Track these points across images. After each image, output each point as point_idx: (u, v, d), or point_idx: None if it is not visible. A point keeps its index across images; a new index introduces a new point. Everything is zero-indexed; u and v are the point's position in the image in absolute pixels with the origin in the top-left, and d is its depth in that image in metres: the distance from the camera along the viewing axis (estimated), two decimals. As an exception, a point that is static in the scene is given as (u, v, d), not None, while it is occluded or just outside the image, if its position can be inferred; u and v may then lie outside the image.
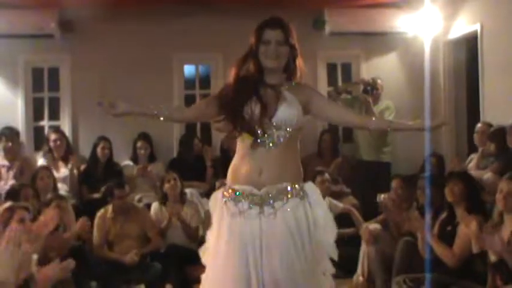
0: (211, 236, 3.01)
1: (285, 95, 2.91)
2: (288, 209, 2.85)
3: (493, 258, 3.93)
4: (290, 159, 2.93)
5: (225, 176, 3.11)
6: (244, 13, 7.11)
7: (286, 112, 2.88)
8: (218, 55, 7.56)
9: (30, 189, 5.49)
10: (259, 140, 2.88)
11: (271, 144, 2.88)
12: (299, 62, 2.98)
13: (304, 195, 2.91)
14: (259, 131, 2.87)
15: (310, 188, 2.98)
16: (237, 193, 2.90)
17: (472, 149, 6.44)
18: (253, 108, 2.85)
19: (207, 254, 3.01)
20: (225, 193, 2.95)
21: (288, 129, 2.89)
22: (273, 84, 2.94)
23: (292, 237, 2.83)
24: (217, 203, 2.98)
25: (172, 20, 7.33)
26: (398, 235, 5.25)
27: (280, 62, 2.92)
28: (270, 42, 2.90)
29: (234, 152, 3.06)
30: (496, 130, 5.76)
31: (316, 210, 2.93)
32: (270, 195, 2.87)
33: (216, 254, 2.92)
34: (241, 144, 2.96)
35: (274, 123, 2.87)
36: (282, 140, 2.89)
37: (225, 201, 2.92)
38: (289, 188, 2.88)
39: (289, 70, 2.97)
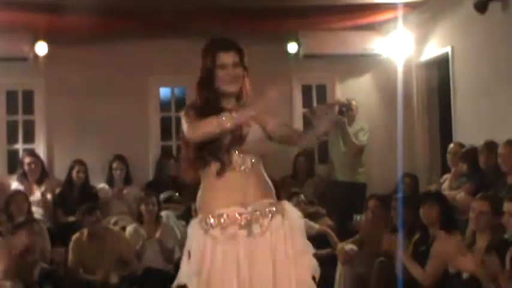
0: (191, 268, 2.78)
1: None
2: (274, 228, 2.79)
3: (465, 275, 3.97)
4: (263, 177, 2.88)
5: None
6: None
7: (253, 136, 2.80)
8: (194, 77, 7.53)
9: (2, 214, 5.43)
10: (226, 168, 2.77)
11: (242, 167, 2.80)
12: (247, 82, 2.88)
13: (284, 213, 2.85)
14: (226, 159, 2.76)
15: (288, 206, 2.93)
16: (222, 219, 2.73)
17: (446, 169, 6.51)
18: (222, 138, 2.72)
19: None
20: (207, 221, 2.76)
21: (255, 153, 2.84)
22: (230, 109, 2.76)
23: (280, 254, 2.78)
24: (195, 235, 2.79)
25: (147, 42, 7.35)
26: (374, 255, 5.27)
27: (238, 85, 2.83)
28: (226, 66, 2.79)
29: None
30: (468, 151, 5.83)
31: (295, 231, 2.88)
32: (257, 212, 2.77)
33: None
34: (207, 173, 2.81)
35: (242, 150, 2.79)
36: (252, 162, 2.83)
37: (206, 230, 2.74)
38: (273, 205, 2.83)
39: (240, 92, 2.87)
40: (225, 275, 2.71)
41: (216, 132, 2.64)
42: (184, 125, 2.78)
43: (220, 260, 2.72)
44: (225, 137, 2.73)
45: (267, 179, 2.91)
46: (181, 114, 2.84)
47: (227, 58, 2.78)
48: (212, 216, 2.75)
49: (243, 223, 2.75)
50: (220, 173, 2.75)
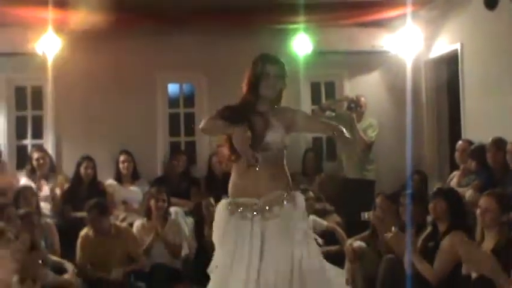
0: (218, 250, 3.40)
1: (272, 122, 3.37)
2: (285, 213, 3.32)
3: (474, 274, 3.95)
4: (280, 171, 3.41)
5: (210, 194, 3.94)
6: (228, 33, 7.19)
7: (272, 137, 3.35)
8: (202, 74, 7.60)
9: (13, 208, 5.45)
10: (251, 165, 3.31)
11: (262, 163, 3.31)
12: (282, 92, 3.46)
13: (295, 204, 3.38)
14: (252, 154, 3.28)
15: (299, 197, 3.43)
16: (240, 208, 3.33)
17: (454, 166, 6.50)
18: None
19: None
20: (230, 205, 3.38)
21: (274, 150, 3.36)
22: (262, 112, 3.40)
23: (290, 237, 3.29)
24: (221, 214, 3.41)
25: (156, 39, 7.36)
26: (383, 252, 5.26)
27: (276, 92, 3.42)
28: (269, 75, 3.38)
29: (220, 171, 3.73)
30: (477, 148, 5.81)
31: (301, 222, 3.38)
32: (268, 202, 3.32)
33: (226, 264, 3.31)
34: (237, 165, 3.39)
35: (263, 147, 3.32)
36: (270, 158, 3.34)
37: (230, 212, 3.36)
38: (284, 195, 3.36)
39: (276, 98, 3.46)
40: (240, 247, 3.26)
41: (219, 132, 3.32)
42: (209, 122, 3.38)
43: (236, 234, 3.30)
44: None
45: (285, 170, 3.44)
46: None
47: (271, 69, 3.39)
48: (234, 202, 3.37)
49: (256, 210, 3.31)
50: (248, 168, 3.32)
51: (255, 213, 3.32)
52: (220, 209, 3.44)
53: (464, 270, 4.19)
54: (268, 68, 3.38)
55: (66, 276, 5.33)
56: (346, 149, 7.09)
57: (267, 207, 3.32)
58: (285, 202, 3.34)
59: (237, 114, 3.33)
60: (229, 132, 3.28)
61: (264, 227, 3.30)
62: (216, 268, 3.38)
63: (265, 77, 3.37)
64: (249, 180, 3.35)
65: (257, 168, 3.32)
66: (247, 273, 3.22)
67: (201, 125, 3.39)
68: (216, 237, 3.43)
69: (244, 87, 3.43)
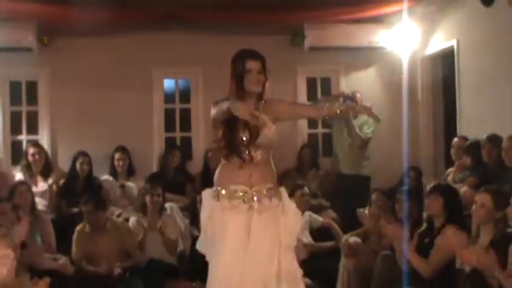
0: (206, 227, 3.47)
1: (265, 116, 3.39)
2: (273, 207, 3.45)
3: (467, 268, 3.97)
4: (269, 166, 3.52)
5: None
6: (224, 29, 7.17)
7: (267, 136, 3.40)
8: (198, 69, 7.59)
9: (7, 203, 5.43)
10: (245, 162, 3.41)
11: (255, 161, 3.43)
12: (267, 86, 3.50)
13: (280, 198, 3.51)
14: (246, 153, 3.40)
15: (284, 193, 3.57)
16: (229, 194, 3.40)
17: (450, 162, 6.51)
18: (242, 134, 3.38)
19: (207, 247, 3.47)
20: (219, 192, 3.43)
21: (267, 146, 3.45)
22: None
23: (275, 230, 3.43)
24: (208, 200, 3.49)
25: (152, 34, 7.34)
26: (378, 248, 5.27)
27: (261, 87, 3.45)
28: (252, 70, 3.40)
29: (216, 167, 3.58)
30: (472, 144, 5.82)
31: (288, 213, 3.51)
32: (259, 193, 3.42)
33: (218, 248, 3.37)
34: (228, 162, 3.46)
35: (257, 144, 3.40)
36: (263, 155, 3.45)
37: (217, 199, 3.42)
38: (272, 189, 3.48)
39: (261, 92, 3.49)
40: (227, 234, 3.34)
41: (226, 112, 3.26)
42: (212, 110, 3.43)
43: (224, 222, 3.37)
44: (244, 135, 3.38)
45: (272, 167, 3.53)
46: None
47: (253, 64, 3.41)
48: (224, 189, 3.43)
49: (246, 199, 3.40)
50: (240, 167, 3.42)
51: (244, 201, 3.39)
52: (207, 195, 3.51)
53: (458, 265, 4.21)
54: (249, 64, 3.40)
55: (61, 260, 5.34)
56: (341, 145, 7.10)
57: (256, 198, 3.40)
58: (273, 197, 3.45)
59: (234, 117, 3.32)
60: (232, 107, 3.22)
61: (250, 217, 3.38)
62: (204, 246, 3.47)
63: (248, 73, 3.39)
64: (240, 172, 3.42)
65: (258, 160, 3.41)
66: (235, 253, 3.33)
67: (212, 113, 3.42)
68: (202, 223, 3.50)
69: (230, 85, 3.45)
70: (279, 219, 3.45)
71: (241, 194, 3.41)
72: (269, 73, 3.48)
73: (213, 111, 3.40)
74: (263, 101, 3.51)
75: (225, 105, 3.27)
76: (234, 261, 3.32)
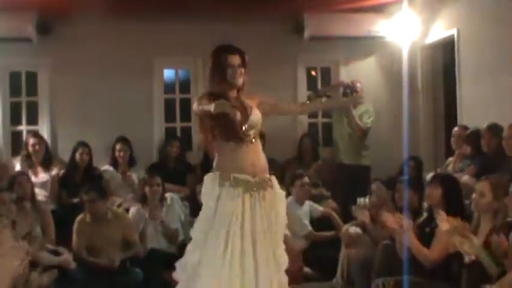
0: (205, 212, 3.62)
1: (250, 104, 3.67)
2: (271, 196, 3.67)
3: (467, 258, 3.97)
4: (262, 153, 3.73)
5: None
6: (225, 19, 7.14)
7: (256, 116, 3.66)
8: (198, 59, 7.56)
9: (8, 194, 5.44)
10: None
11: (253, 140, 3.63)
12: (245, 78, 3.71)
13: (274, 188, 3.72)
14: (243, 132, 3.56)
15: (275, 181, 3.76)
16: (237, 179, 3.56)
17: (450, 152, 6.51)
18: (234, 117, 3.46)
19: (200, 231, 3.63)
20: (223, 179, 3.57)
21: (256, 127, 3.66)
22: (233, 97, 3.68)
23: (273, 218, 3.67)
24: (213, 186, 3.60)
25: (152, 24, 7.32)
26: (378, 238, 5.28)
27: (242, 79, 3.67)
28: (234, 65, 3.63)
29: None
30: (472, 133, 5.82)
31: (280, 202, 3.75)
32: (260, 183, 3.62)
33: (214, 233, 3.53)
34: (225, 144, 3.61)
35: (249, 125, 3.59)
36: (254, 136, 3.64)
37: (222, 185, 3.56)
38: (269, 179, 3.70)
39: (242, 85, 3.71)
40: (228, 220, 3.50)
41: (210, 110, 3.41)
42: (195, 103, 3.61)
43: (227, 208, 3.53)
44: (236, 116, 3.47)
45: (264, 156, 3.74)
46: (196, 98, 3.70)
47: (234, 59, 3.63)
48: (228, 177, 3.57)
49: (249, 188, 3.58)
50: (239, 144, 3.59)
51: (247, 190, 3.57)
52: (209, 180, 3.64)
53: (450, 249, 4.20)
54: (230, 59, 3.61)
55: (63, 256, 5.35)
56: (341, 135, 7.10)
57: (255, 188, 3.59)
58: (269, 186, 3.67)
59: (216, 96, 3.54)
60: (213, 107, 3.39)
61: (252, 205, 3.57)
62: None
63: (230, 67, 3.61)
64: (243, 161, 3.60)
65: (253, 140, 3.61)
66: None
67: (194, 108, 3.60)
68: (205, 205, 3.63)
69: (210, 79, 3.66)
70: (274, 207, 3.67)
71: (246, 182, 3.58)
72: (247, 66, 3.69)
73: (195, 106, 3.56)
74: (242, 95, 3.73)
75: (206, 107, 3.45)
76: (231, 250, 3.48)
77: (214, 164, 3.71)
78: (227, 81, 3.63)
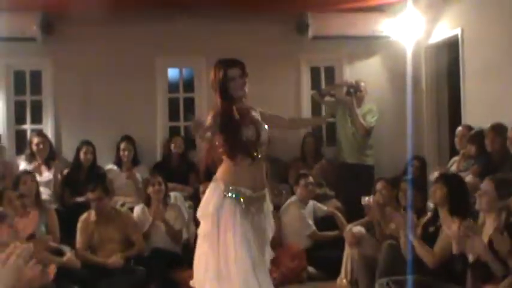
0: (207, 219, 3.70)
1: (258, 119, 3.76)
2: (268, 211, 3.85)
3: (471, 258, 3.97)
4: (264, 169, 3.82)
5: (209, 179, 3.76)
6: (229, 18, 7.15)
7: (266, 133, 3.76)
8: (202, 59, 7.56)
9: (13, 192, 5.45)
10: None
11: (258, 157, 3.70)
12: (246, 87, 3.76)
13: (268, 201, 3.86)
14: (253, 151, 3.66)
15: (267, 193, 3.87)
16: (237, 194, 3.65)
17: (454, 151, 6.50)
18: (246, 134, 3.63)
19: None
20: (227, 191, 3.65)
21: (265, 144, 3.76)
22: (245, 108, 3.72)
23: (267, 226, 3.83)
24: (217, 193, 3.67)
25: (155, 23, 7.33)
26: (382, 237, 5.28)
27: (244, 90, 3.72)
28: (235, 78, 3.66)
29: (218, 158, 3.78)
30: (476, 133, 5.81)
31: (270, 212, 3.90)
32: (259, 198, 3.73)
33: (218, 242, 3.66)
34: (233, 161, 3.67)
35: (261, 143, 3.70)
36: (262, 154, 3.73)
37: (225, 197, 3.64)
38: (266, 194, 3.84)
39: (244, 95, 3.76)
40: (228, 230, 3.60)
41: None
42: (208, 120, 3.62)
43: (228, 220, 3.61)
44: (251, 136, 3.63)
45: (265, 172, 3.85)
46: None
47: (235, 72, 3.67)
48: (231, 190, 3.66)
49: (249, 202, 3.68)
50: (246, 167, 3.67)
51: (247, 204, 3.66)
52: (214, 188, 3.71)
53: (455, 250, 4.20)
54: (231, 73, 3.66)
55: (66, 256, 5.36)
56: (345, 134, 7.10)
57: (254, 202, 3.69)
58: (264, 202, 3.78)
59: (228, 122, 3.60)
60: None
61: (250, 219, 3.67)
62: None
63: (232, 81, 3.66)
64: (246, 175, 3.68)
65: (259, 156, 3.67)
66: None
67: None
68: (205, 211, 3.70)
69: (214, 93, 3.69)
70: (268, 217, 3.84)
71: (246, 196, 3.67)
72: (247, 75, 3.73)
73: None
74: (244, 105, 3.77)
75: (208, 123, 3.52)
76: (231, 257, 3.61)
77: (218, 173, 3.77)
78: (230, 94, 3.68)
